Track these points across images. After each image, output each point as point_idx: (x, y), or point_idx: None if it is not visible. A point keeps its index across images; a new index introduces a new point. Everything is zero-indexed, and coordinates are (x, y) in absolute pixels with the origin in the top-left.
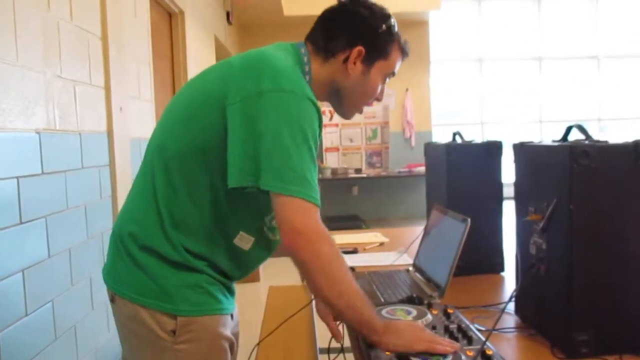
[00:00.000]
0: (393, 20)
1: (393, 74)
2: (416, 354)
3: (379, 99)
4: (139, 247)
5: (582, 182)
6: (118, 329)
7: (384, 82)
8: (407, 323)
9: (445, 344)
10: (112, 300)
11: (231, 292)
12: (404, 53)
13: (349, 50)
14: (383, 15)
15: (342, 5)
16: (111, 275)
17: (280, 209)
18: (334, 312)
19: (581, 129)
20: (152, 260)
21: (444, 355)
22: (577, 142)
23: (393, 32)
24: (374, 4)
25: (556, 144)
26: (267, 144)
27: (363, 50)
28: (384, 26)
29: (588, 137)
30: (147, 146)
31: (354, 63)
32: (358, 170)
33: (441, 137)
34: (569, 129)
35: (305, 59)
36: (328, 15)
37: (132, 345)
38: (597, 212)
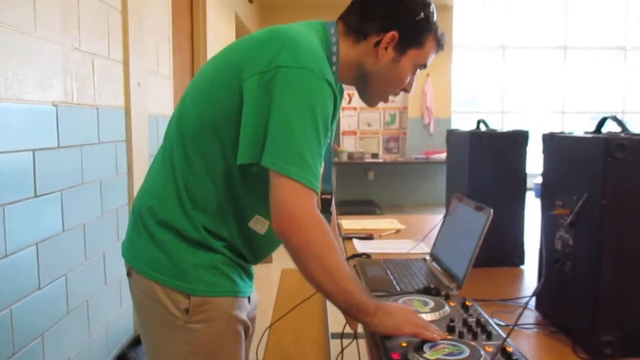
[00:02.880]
0: (432, 9)
1: (425, 65)
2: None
3: (406, 90)
4: (157, 222)
5: (617, 176)
6: (133, 303)
7: (414, 72)
8: (399, 306)
9: (433, 330)
10: (128, 274)
11: (249, 274)
12: (439, 45)
13: (382, 34)
14: (423, 3)
15: None
16: (129, 249)
17: (274, 189)
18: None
19: (617, 120)
20: (169, 237)
21: (461, 350)
22: (612, 135)
23: (431, 21)
24: None
25: (590, 135)
26: (274, 121)
27: (397, 36)
28: (422, 14)
29: (624, 129)
30: (169, 122)
31: (385, 48)
32: (375, 155)
33: (460, 124)
34: (603, 121)
35: (334, 39)
36: None
37: (145, 320)
38: (630, 208)
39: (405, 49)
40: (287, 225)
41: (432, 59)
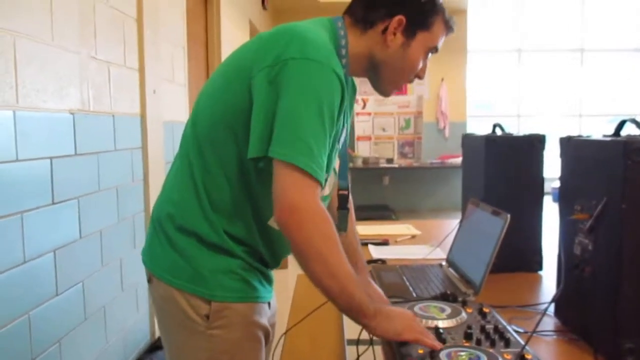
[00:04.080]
0: None
1: (436, 49)
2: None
3: (420, 76)
4: (176, 228)
5: (636, 180)
6: (154, 309)
7: (425, 57)
8: (400, 310)
9: (432, 338)
10: (149, 280)
11: (268, 280)
12: (448, 27)
13: (388, 20)
14: None
15: None
16: (148, 256)
17: (277, 178)
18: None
19: (636, 123)
20: (189, 242)
21: (479, 358)
22: (631, 137)
23: (437, 3)
24: None
25: (608, 138)
26: (280, 112)
27: (404, 20)
28: None
29: None
30: (185, 127)
31: (394, 34)
32: (390, 160)
33: (476, 128)
34: (621, 123)
35: (342, 32)
36: None
37: (166, 326)
38: None
39: (414, 32)
40: (288, 217)
41: (442, 42)
